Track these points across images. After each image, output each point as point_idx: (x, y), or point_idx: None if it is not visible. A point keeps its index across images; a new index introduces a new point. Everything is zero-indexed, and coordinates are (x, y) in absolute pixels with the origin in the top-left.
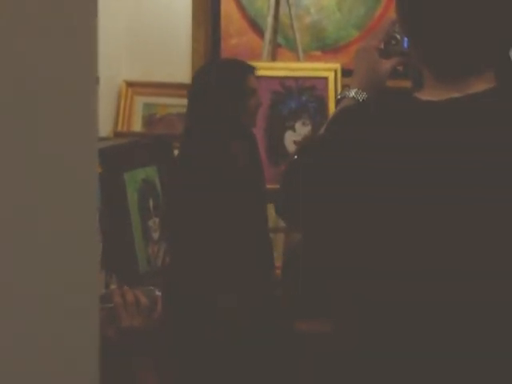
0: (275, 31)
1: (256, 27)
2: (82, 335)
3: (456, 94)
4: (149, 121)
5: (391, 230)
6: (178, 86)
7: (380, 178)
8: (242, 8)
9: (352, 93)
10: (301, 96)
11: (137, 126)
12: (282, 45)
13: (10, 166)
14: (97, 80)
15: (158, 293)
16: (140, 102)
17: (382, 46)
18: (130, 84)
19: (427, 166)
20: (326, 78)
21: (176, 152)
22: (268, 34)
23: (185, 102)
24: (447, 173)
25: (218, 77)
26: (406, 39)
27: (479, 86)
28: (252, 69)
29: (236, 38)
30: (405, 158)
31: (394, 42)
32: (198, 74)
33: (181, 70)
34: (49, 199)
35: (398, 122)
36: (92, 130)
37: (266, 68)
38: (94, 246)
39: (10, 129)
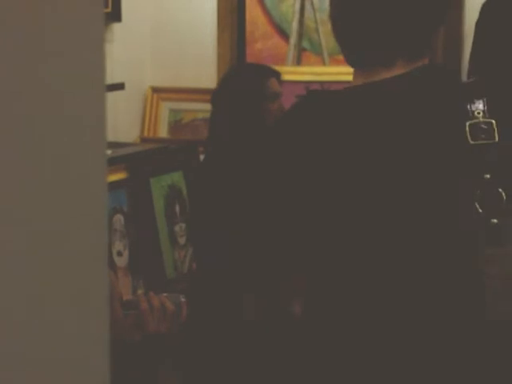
0: (300, 35)
1: (281, 32)
2: (92, 338)
3: (361, 82)
4: (175, 126)
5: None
6: (204, 91)
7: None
8: (267, 13)
9: None
10: None
11: (163, 132)
12: (307, 49)
13: (17, 172)
14: (122, 86)
15: (183, 299)
16: (166, 107)
17: None
18: (155, 90)
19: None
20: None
21: (202, 157)
22: (293, 39)
23: (210, 107)
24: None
25: (242, 82)
26: None
27: (387, 75)
28: (275, 73)
29: (261, 42)
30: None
31: None
32: (222, 80)
33: (206, 75)
34: (58, 204)
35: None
36: (101, 137)
37: (291, 72)
38: (104, 248)
39: (18, 134)
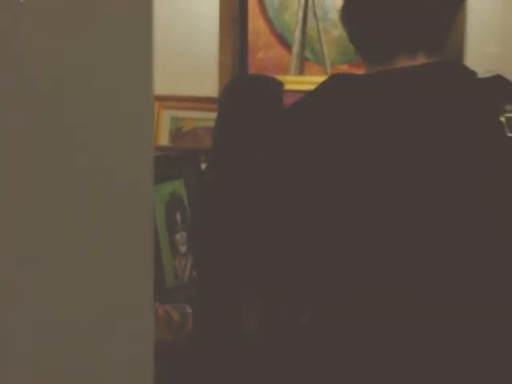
0: (303, 45)
1: (283, 41)
2: (135, 338)
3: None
4: (176, 135)
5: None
6: (205, 100)
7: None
8: (269, 22)
9: None
10: None
11: (164, 140)
12: (309, 58)
13: (66, 175)
14: None
15: (189, 310)
16: (167, 115)
17: None
18: (157, 98)
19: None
20: None
21: (203, 166)
22: (295, 48)
23: (212, 115)
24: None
25: (246, 93)
26: None
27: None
28: (279, 84)
29: (263, 51)
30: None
31: None
32: (226, 90)
33: (208, 84)
34: (104, 208)
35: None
36: (149, 141)
37: (294, 82)
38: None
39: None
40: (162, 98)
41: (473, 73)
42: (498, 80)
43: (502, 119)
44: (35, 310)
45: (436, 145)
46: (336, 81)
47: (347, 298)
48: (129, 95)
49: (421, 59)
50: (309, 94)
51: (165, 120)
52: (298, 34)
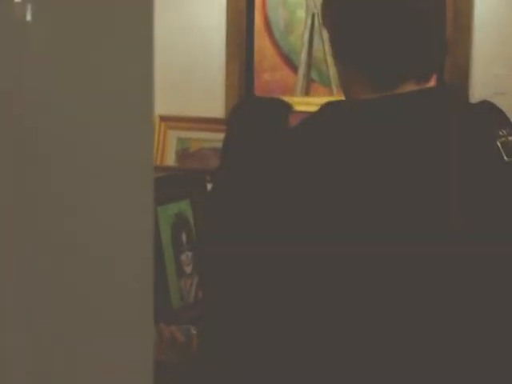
0: (309, 66)
1: (289, 62)
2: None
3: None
4: (182, 155)
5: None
6: (212, 121)
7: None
8: (275, 43)
9: None
10: None
11: (170, 160)
12: (315, 80)
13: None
14: None
15: (194, 331)
16: (173, 136)
17: None
18: (163, 118)
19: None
20: None
21: (209, 186)
22: (302, 70)
23: (218, 136)
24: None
25: (255, 115)
26: None
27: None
28: (288, 106)
29: (269, 72)
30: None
31: None
32: (235, 112)
33: (214, 105)
34: (104, 228)
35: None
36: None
37: (300, 103)
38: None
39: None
40: (168, 119)
41: (464, 97)
42: (487, 106)
43: (498, 144)
44: (34, 329)
45: (434, 172)
46: (333, 107)
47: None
48: (128, 115)
49: (410, 86)
50: (306, 120)
51: (171, 140)
52: (304, 56)
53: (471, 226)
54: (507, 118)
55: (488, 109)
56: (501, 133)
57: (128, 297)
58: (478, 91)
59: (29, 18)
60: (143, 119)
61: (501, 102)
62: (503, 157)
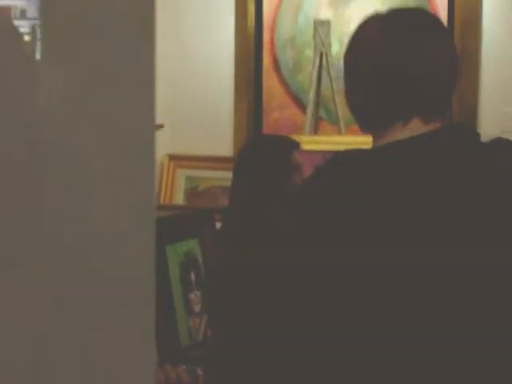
0: (317, 105)
1: (298, 101)
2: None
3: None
4: (191, 194)
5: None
6: (221, 159)
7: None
8: (283, 82)
9: None
10: None
11: (179, 199)
12: (323, 118)
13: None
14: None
15: (200, 372)
16: (182, 174)
17: None
18: (172, 157)
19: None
20: None
21: (218, 225)
22: (310, 108)
23: (227, 175)
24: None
25: (264, 154)
26: None
27: (405, 135)
28: (296, 144)
29: (278, 111)
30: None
31: None
32: (243, 150)
33: (223, 144)
34: (106, 271)
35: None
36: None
37: (309, 142)
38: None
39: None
40: (177, 158)
41: (474, 136)
42: (502, 143)
43: None
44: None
45: (449, 219)
46: (344, 158)
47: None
48: (130, 157)
49: (417, 126)
50: (317, 172)
51: (180, 179)
52: (312, 95)
53: (488, 270)
54: None
55: (503, 146)
56: None
57: (129, 343)
58: (486, 130)
59: (38, 56)
60: (145, 161)
61: None
62: None
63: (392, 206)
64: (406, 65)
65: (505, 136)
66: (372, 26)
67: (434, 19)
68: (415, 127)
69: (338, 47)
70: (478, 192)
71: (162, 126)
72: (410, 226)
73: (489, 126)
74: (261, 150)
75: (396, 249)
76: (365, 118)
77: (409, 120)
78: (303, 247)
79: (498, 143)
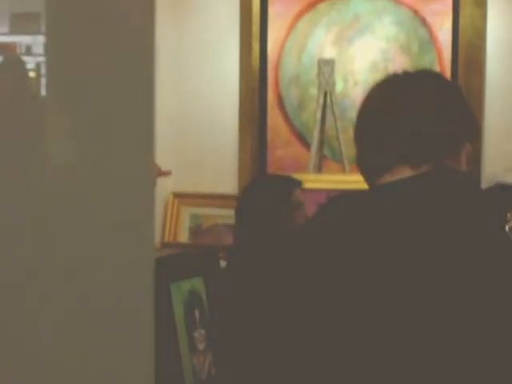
0: (321, 144)
1: (302, 139)
2: None
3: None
4: (195, 231)
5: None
6: (225, 197)
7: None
8: (288, 120)
9: None
10: None
11: (183, 237)
12: (327, 157)
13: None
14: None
15: None
16: (187, 212)
17: None
18: (176, 195)
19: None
20: None
21: (222, 263)
22: (314, 147)
23: (231, 212)
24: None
25: (266, 193)
26: None
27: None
28: (298, 183)
29: (282, 149)
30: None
31: None
32: (246, 190)
33: (227, 181)
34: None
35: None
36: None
37: (313, 181)
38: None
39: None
40: (181, 196)
41: (473, 180)
42: (499, 189)
43: (507, 228)
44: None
45: (440, 261)
46: (338, 202)
47: None
48: (130, 197)
49: (407, 172)
50: (315, 215)
51: (184, 217)
52: (316, 134)
53: (471, 310)
54: None
55: (499, 192)
56: (509, 215)
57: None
58: (489, 168)
59: (43, 92)
60: (145, 201)
61: None
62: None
63: (372, 239)
64: (384, 125)
65: (509, 174)
66: (373, 88)
67: (434, 82)
68: (403, 173)
69: (342, 85)
70: (451, 237)
71: (169, 173)
72: (390, 254)
73: (492, 164)
74: (262, 189)
75: (381, 271)
76: (361, 171)
77: (396, 167)
78: (303, 278)
79: (494, 188)
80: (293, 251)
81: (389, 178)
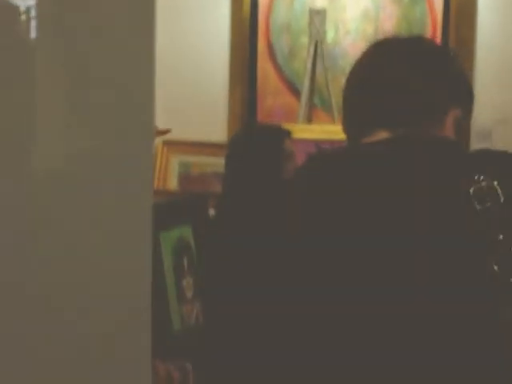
0: (311, 93)
1: (292, 88)
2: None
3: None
4: (184, 179)
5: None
6: (214, 146)
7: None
8: (278, 69)
9: None
10: None
11: (172, 184)
12: (317, 106)
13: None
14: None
15: (189, 366)
16: (176, 160)
17: None
18: (166, 142)
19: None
20: None
21: (211, 210)
22: (304, 96)
23: (220, 160)
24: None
25: (256, 143)
26: None
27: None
28: (288, 133)
29: (272, 98)
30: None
31: None
32: (236, 139)
33: (217, 130)
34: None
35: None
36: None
37: (302, 130)
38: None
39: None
40: (170, 143)
41: (446, 143)
42: (483, 154)
43: (471, 191)
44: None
45: (406, 222)
46: (317, 160)
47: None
48: (129, 141)
49: (383, 134)
50: (297, 171)
51: (173, 165)
52: (306, 84)
53: (436, 274)
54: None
55: (482, 156)
56: (476, 178)
57: (126, 331)
58: (482, 118)
59: (33, 35)
60: (143, 147)
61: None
62: (474, 204)
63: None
64: (369, 85)
65: (499, 126)
66: (362, 52)
67: (424, 48)
68: (380, 137)
69: (333, 35)
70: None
71: (169, 131)
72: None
73: (484, 114)
74: (253, 138)
75: (355, 227)
76: (345, 133)
77: (374, 132)
78: (291, 228)
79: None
80: (282, 201)
81: (367, 141)
